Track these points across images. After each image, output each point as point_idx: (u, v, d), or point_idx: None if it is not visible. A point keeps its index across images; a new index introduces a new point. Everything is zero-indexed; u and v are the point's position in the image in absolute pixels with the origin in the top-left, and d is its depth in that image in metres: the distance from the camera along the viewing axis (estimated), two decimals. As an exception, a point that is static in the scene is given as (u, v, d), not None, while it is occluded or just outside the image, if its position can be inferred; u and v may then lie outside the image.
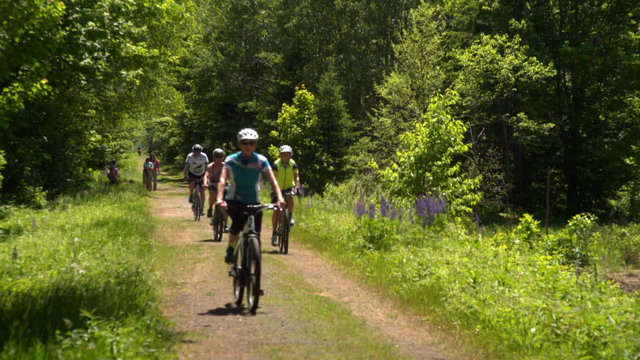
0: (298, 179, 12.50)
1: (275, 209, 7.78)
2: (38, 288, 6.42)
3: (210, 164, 14.50)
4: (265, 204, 7.85)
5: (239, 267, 7.54)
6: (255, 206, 7.60)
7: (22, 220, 12.90)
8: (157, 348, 5.35)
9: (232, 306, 7.55)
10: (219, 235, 13.30)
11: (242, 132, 7.77)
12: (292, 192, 12.39)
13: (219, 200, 7.56)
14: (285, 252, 11.58)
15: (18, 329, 4.75)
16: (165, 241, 12.78)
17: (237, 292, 7.63)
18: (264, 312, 7.23)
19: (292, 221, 12.12)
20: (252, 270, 7.11)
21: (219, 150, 14.65)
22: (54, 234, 10.75)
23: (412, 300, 7.75)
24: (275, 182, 7.93)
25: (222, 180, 7.72)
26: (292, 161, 12.39)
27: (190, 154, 16.98)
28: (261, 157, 7.86)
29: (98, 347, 4.70)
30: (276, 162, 12.33)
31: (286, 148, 12.46)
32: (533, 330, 5.83)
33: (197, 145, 17.23)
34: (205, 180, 14.28)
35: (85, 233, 10.74)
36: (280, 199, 7.88)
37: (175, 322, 6.66)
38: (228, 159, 7.76)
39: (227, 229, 12.61)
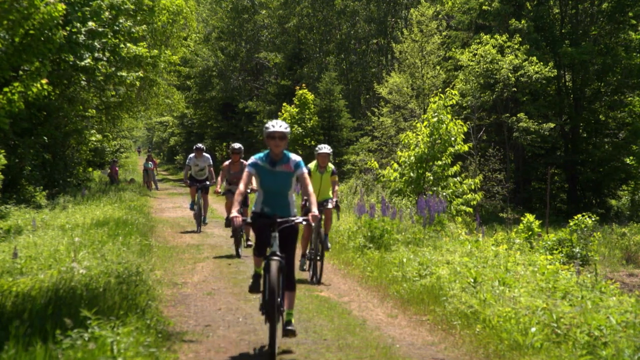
0: (337, 188, 9.65)
1: (305, 223, 5.90)
2: (38, 288, 6.41)
3: (227, 163, 11.90)
4: (294, 218, 5.99)
5: (262, 299, 6.01)
6: (279, 219, 5.87)
7: (22, 220, 12.90)
8: (157, 348, 5.35)
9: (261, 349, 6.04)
10: (239, 250, 11.19)
11: (269, 123, 6.05)
12: (330, 205, 9.49)
13: (234, 212, 5.77)
14: (318, 282, 9.10)
15: (18, 329, 4.75)
16: (166, 241, 12.78)
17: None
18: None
19: (329, 245, 9.65)
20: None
21: (237, 145, 11.90)
22: (54, 233, 10.75)
23: (413, 300, 7.75)
24: (311, 189, 6.09)
25: (241, 186, 5.95)
26: (330, 165, 9.60)
27: (192, 155, 14.50)
28: (294, 157, 6.08)
29: (98, 346, 4.70)
30: (310, 165, 9.43)
31: (325, 148, 9.45)
32: (533, 330, 5.83)
33: (199, 145, 14.64)
34: (219, 185, 11.67)
35: (86, 233, 10.74)
36: (314, 211, 5.98)
37: (176, 322, 6.65)
38: (252, 159, 6.06)
39: (249, 243, 11.19)
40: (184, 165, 16.06)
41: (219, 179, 11.79)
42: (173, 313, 7.07)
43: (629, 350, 5.07)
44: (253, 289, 6.34)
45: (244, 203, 11.02)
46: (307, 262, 9.57)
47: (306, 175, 6.08)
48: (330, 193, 9.67)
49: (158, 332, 5.80)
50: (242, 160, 11.60)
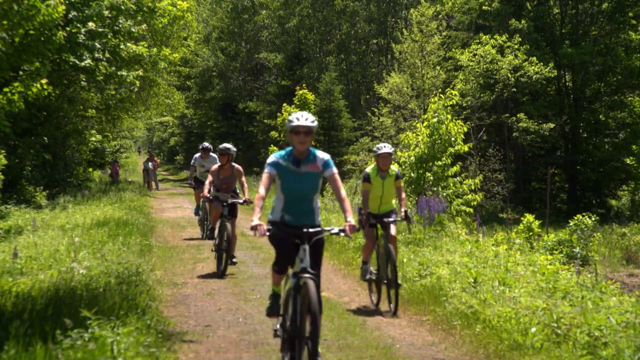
0: (404, 195, 8.04)
1: (342, 234, 4.94)
2: (38, 288, 6.42)
3: (215, 166, 10.16)
4: (328, 228, 5.13)
5: (288, 324, 5.05)
6: (311, 230, 5.01)
7: (22, 220, 12.90)
8: (157, 348, 5.35)
9: None
10: (222, 268, 9.46)
11: (293, 116, 5.17)
12: (392, 219, 7.81)
13: (256, 220, 4.84)
14: (395, 313, 7.34)
15: (18, 329, 4.75)
16: (166, 241, 12.77)
17: None
18: (265, 312, 7.21)
19: (399, 281, 7.51)
20: (307, 331, 4.70)
21: (226, 145, 10.00)
22: (55, 233, 10.75)
23: (413, 300, 7.75)
24: (344, 193, 5.17)
25: (262, 190, 5.05)
26: (393, 168, 8.01)
27: (197, 155, 13.41)
28: (322, 154, 5.26)
29: (98, 347, 4.70)
30: (368, 169, 7.96)
31: (386, 148, 7.85)
32: (533, 330, 5.83)
33: (206, 144, 13.42)
34: (206, 189, 9.87)
35: (86, 233, 10.75)
36: (350, 219, 4.99)
37: (176, 322, 6.66)
38: (272, 158, 5.20)
39: (235, 260, 9.63)
40: (189, 165, 14.59)
41: (207, 182, 9.99)
42: (173, 313, 7.07)
43: (629, 351, 5.07)
44: (272, 311, 5.43)
45: (232, 213, 9.77)
46: (374, 285, 7.89)
47: (337, 176, 5.23)
48: (394, 202, 8.06)
49: (158, 332, 5.80)
50: (233, 164, 9.93)
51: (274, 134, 28.22)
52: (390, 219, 7.76)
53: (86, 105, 21.31)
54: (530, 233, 14.22)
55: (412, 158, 15.34)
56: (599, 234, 16.04)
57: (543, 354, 5.49)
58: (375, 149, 8.00)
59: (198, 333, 6.32)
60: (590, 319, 5.72)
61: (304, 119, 5.11)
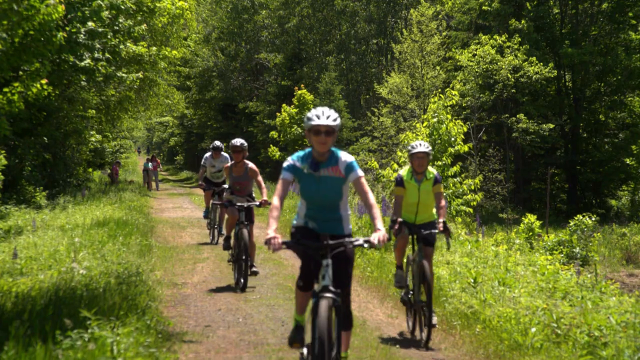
0: (444, 203, 6.78)
1: (367, 245, 4.28)
2: (38, 288, 6.42)
3: (228, 165, 9.21)
4: (354, 239, 4.43)
5: (304, 353, 4.55)
6: (332, 242, 4.35)
7: (22, 221, 12.90)
8: (157, 348, 5.35)
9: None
10: (242, 281, 8.43)
11: (312, 113, 4.52)
12: (435, 231, 6.66)
13: (271, 232, 4.27)
14: (426, 344, 6.22)
15: (18, 329, 4.75)
16: (166, 241, 12.77)
17: None
18: (265, 312, 7.22)
19: (434, 319, 6.32)
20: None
21: (238, 140, 8.85)
22: (55, 234, 10.75)
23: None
24: (373, 199, 4.49)
25: (275, 201, 4.47)
26: (431, 170, 6.83)
27: (208, 154, 12.58)
28: (345, 156, 4.61)
29: (98, 347, 4.70)
30: (402, 172, 6.86)
31: (422, 146, 6.69)
32: (533, 330, 5.83)
33: (217, 143, 12.46)
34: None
35: (86, 233, 10.75)
36: (380, 228, 4.33)
37: (176, 322, 6.65)
38: (289, 161, 4.62)
39: (254, 270, 8.61)
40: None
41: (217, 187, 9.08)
42: (173, 313, 7.07)
43: (629, 351, 5.07)
44: (295, 340, 4.67)
45: (249, 218, 8.78)
46: (411, 310, 6.71)
47: (363, 181, 4.53)
48: (434, 211, 6.90)
49: (158, 333, 5.80)
50: (246, 162, 8.90)
51: (273, 134, 28.23)
52: (431, 230, 6.65)
53: (86, 105, 21.33)
54: (531, 233, 14.22)
55: (412, 158, 15.32)
56: (598, 234, 16.04)
57: (543, 354, 5.49)
58: (409, 147, 6.80)
59: (198, 333, 6.32)
60: (590, 319, 5.73)
61: (325, 116, 4.46)
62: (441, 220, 6.61)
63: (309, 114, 4.49)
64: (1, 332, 4.89)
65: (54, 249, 9.02)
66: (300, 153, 4.69)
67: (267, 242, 4.20)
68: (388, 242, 4.71)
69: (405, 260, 7.05)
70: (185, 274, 9.40)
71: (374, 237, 4.26)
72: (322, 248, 4.32)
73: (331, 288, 4.24)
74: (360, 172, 4.54)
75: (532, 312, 6.23)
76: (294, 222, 4.82)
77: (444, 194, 14.37)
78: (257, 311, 7.26)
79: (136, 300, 6.45)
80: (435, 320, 6.28)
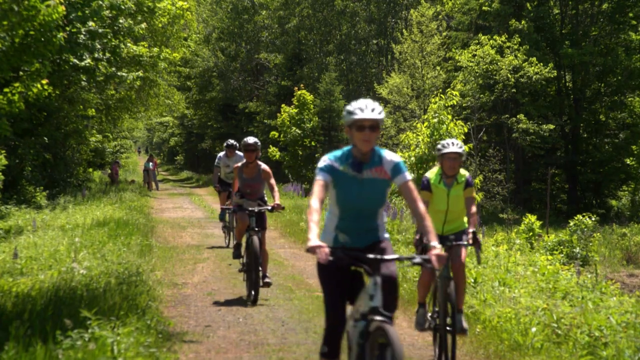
0: (474, 210, 6.04)
1: (428, 265, 3.73)
2: (38, 288, 6.42)
3: (239, 164, 8.38)
4: (410, 256, 3.86)
5: None
6: (379, 257, 3.77)
7: (22, 221, 12.91)
8: (157, 348, 5.35)
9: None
10: (253, 293, 7.70)
11: (354, 106, 3.91)
12: (464, 242, 5.89)
13: (314, 239, 3.67)
14: None
15: (18, 329, 4.75)
16: (166, 241, 12.77)
17: None
18: (265, 312, 7.22)
19: (464, 323, 5.85)
20: None
21: (251, 139, 8.14)
22: (55, 234, 10.75)
23: (413, 301, 7.74)
24: (423, 208, 3.93)
25: (315, 203, 3.84)
26: (463, 172, 6.12)
27: (221, 154, 11.88)
28: (390, 156, 4.01)
29: (98, 347, 4.70)
30: (429, 174, 6.10)
31: (454, 146, 5.94)
32: (534, 330, 5.83)
33: (231, 141, 11.77)
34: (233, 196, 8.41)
35: (86, 233, 10.75)
36: (435, 244, 3.78)
37: (176, 322, 6.65)
38: (325, 161, 3.97)
39: (267, 281, 7.91)
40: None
41: (232, 189, 8.56)
42: (173, 313, 7.07)
43: (629, 351, 5.07)
44: None
45: (261, 224, 7.99)
46: (436, 336, 5.82)
47: (412, 185, 3.93)
48: (465, 220, 6.09)
49: (158, 333, 5.80)
50: (259, 163, 8.13)
51: (274, 134, 28.23)
52: (462, 240, 5.88)
53: (86, 105, 21.34)
54: (531, 233, 14.23)
55: (413, 158, 15.35)
56: (599, 234, 16.05)
57: (543, 354, 5.49)
58: (438, 146, 6.01)
59: (198, 333, 6.32)
60: (591, 319, 5.73)
61: (370, 109, 3.83)
62: (471, 230, 5.84)
63: (349, 107, 3.91)
64: (1, 332, 4.90)
65: (54, 249, 9.02)
66: (337, 152, 4.03)
67: (311, 250, 3.60)
68: (446, 267, 4.50)
69: (428, 297, 6.09)
70: (186, 274, 9.41)
71: (432, 257, 3.68)
72: (370, 263, 3.73)
73: (382, 310, 3.60)
74: (408, 176, 3.96)
75: (532, 313, 6.23)
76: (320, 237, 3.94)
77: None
78: (257, 311, 7.26)
79: (136, 300, 6.45)
80: (465, 325, 5.78)
